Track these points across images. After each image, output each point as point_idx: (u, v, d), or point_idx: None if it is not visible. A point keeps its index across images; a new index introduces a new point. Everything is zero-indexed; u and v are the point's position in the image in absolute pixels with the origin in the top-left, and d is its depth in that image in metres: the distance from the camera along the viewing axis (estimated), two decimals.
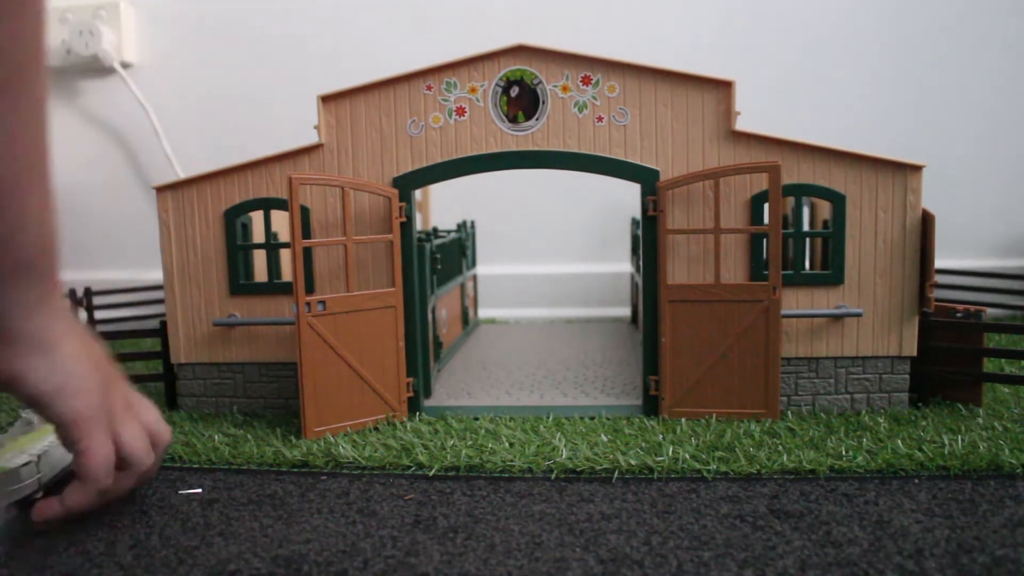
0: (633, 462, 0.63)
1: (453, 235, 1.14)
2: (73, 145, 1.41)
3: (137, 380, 0.87)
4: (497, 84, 0.76)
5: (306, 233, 0.78)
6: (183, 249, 0.81)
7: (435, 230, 1.13)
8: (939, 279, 1.18)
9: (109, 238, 1.44)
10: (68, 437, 0.50)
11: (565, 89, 0.76)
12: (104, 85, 1.40)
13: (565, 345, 1.10)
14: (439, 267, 0.96)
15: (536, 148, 0.76)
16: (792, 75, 1.29)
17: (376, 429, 0.75)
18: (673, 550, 0.49)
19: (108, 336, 0.89)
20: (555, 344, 1.11)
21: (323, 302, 0.72)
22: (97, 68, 1.38)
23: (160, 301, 1.14)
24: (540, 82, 0.76)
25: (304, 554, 0.50)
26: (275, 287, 0.80)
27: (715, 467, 0.62)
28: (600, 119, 0.76)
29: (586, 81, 0.75)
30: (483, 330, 1.25)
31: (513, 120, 0.76)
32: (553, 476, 0.63)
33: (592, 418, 0.75)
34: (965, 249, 1.31)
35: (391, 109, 0.77)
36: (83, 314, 1.24)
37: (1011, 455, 0.62)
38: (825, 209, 0.79)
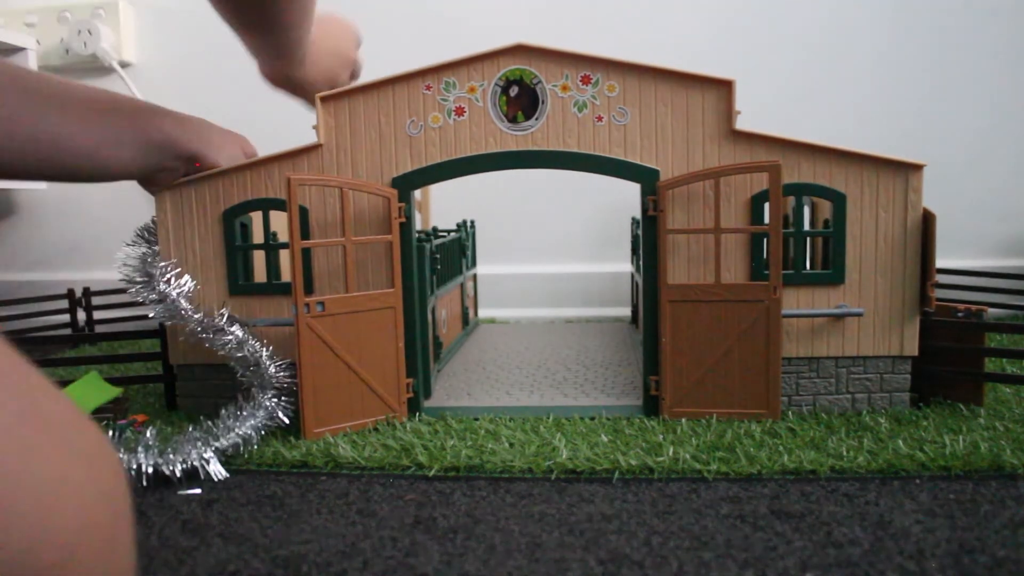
0: (633, 462, 0.63)
1: (453, 235, 1.13)
2: None
3: (136, 381, 0.87)
4: (496, 84, 0.76)
5: (305, 233, 0.77)
6: (182, 250, 0.80)
7: (435, 230, 1.13)
8: (940, 279, 1.18)
9: (109, 238, 1.43)
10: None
11: (565, 89, 0.75)
12: (103, 84, 1.40)
13: (565, 345, 1.10)
14: (439, 267, 0.96)
15: (535, 148, 0.76)
16: (792, 74, 1.29)
17: (376, 430, 0.74)
18: (673, 551, 0.49)
19: (107, 337, 0.89)
20: (555, 344, 1.11)
21: (322, 303, 0.72)
22: (96, 67, 1.38)
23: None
24: (539, 82, 0.76)
25: (304, 555, 0.50)
26: (274, 288, 0.80)
27: (716, 467, 0.62)
28: (600, 119, 0.75)
29: (586, 81, 0.75)
30: (483, 330, 1.25)
31: (512, 120, 0.76)
32: (553, 477, 0.62)
33: (592, 418, 0.75)
34: (966, 249, 1.31)
35: (390, 109, 0.77)
36: (82, 314, 1.24)
37: (1012, 455, 0.61)
38: (826, 208, 0.79)
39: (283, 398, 0.72)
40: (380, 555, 0.50)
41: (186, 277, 0.77)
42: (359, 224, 0.78)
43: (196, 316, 0.75)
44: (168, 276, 0.76)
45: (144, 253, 0.78)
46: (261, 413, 0.70)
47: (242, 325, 0.75)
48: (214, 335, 0.74)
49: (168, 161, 0.76)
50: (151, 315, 0.76)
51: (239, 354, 0.73)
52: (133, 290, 0.76)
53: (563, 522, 0.54)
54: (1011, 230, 1.31)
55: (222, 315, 0.75)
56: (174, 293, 0.75)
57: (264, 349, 0.74)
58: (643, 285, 0.77)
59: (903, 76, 1.28)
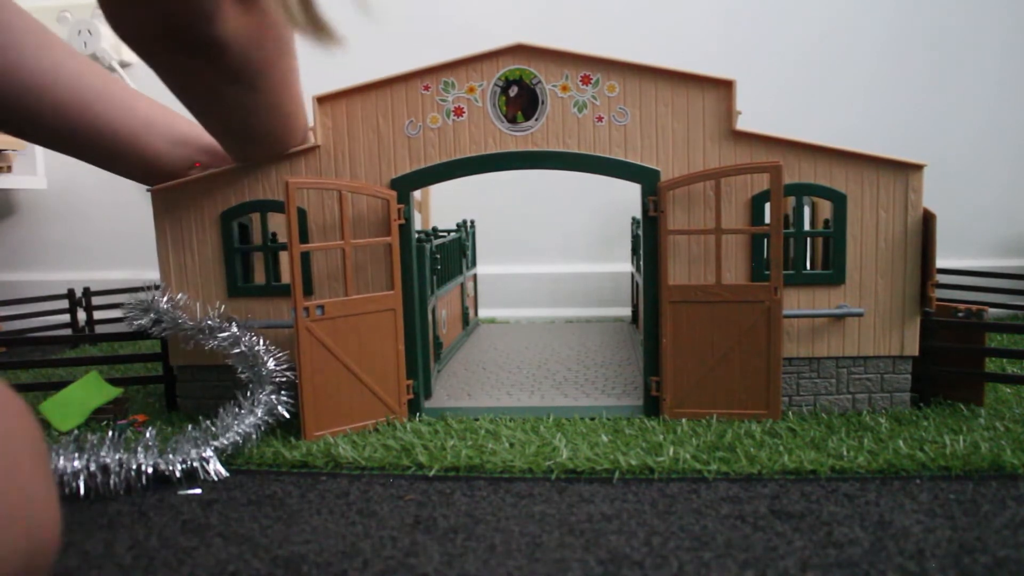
0: (634, 462, 0.63)
1: (453, 235, 1.13)
2: None
3: (137, 382, 0.87)
4: (496, 84, 0.76)
5: (304, 236, 0.77)
6: (180, 251, 0.80)
7: (435, 230, 1.13)
8: (940, 279, 1.18)
9: (109, 238, 1.43)
10: None
11: (564, 89, 0.75)
12: None
13: (565, 345, 1.10)
14: (439, 267, 0.96)
15: (535, 148, 0.76)
16: (793, 75, 1.29)
17: (376, 430, 0.74)
18: (674, 551, 0.49)
19: (107, 337, 0.89)
20: (555, 344, 1.11)
21: (322, 307, 0.72)
22: None
23: None
24: (539, 82, 0.75)
25: (304, 555, 0.50)
26: (274, 289, 0.80)
27: (716, 467, 0.62)
28: (600, 119, 0.75)
29: (585, 81, 0.75)
30: (483, 330, 1.25)
31: (512, 120, 0.76)
32: (553, 477, 0.62)
33: (592, 418, 0.75)
34: (966, 248, 1.31)
35: (388, 110, 0.77)
36: (82, 314, 1.24)
37: (1013, 455, 0.61)
38: (826, 209, 0.79)
39: (282, 393, 0.72)
40: (380, 555, 0.50)
41: (180, 294, 0.79)
42: (358, 226, 0.77)
43: (191, 323, 0.76)
44: (163, 295, 0.78)
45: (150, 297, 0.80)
46: (260, 409, 0.70)
47: (239, 324, 0.75)
48: (210, 334, 0.74)
49: (195, 154, 0.80)
50: (152, 334, 0.78)
51: (236, 350, 0.73)
52: (136, 324, 0.78)
53: (563, 522, 0.54)
54: (1011, 230, 1.31)
55: (216, 314, 0.76)
56: (168, 306, 0.77)
57: (261, 344, 0.74)
58: (644, 285, 0.77)
59: (903, 76, 1.28)
